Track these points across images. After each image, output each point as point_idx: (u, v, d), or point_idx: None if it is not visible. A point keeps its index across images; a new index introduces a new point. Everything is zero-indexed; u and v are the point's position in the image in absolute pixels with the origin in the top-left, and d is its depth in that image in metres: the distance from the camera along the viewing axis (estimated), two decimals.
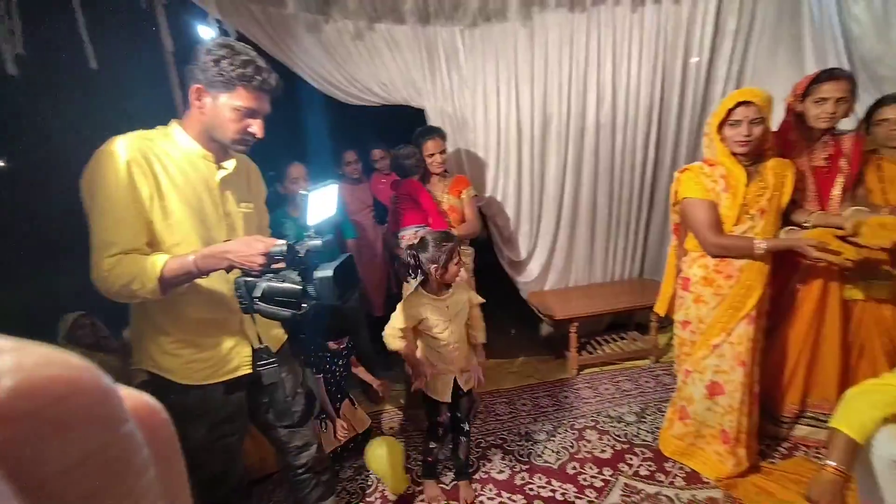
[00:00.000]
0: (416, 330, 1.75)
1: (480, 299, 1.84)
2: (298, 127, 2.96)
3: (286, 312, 1.03)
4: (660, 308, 2.14)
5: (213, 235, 1.19)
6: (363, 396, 2.61)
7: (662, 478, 1.95)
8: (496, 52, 2.60)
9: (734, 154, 1.74)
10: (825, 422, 1.47)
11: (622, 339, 3.09)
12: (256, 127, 1.17)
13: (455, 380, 1.80)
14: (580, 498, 1.88)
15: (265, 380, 1.21)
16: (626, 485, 1.93)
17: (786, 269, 1.94)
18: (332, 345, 2.08)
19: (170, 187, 1.12)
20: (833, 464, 1.34)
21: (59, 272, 1.48)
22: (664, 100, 2.73)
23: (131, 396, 0.20)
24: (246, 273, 1.05)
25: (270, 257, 1.02)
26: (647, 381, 2.68)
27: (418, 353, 1.78)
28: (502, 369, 2.95)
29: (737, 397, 1.83)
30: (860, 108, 1.96)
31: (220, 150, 1.22)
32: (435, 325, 1.71)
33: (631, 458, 2.08)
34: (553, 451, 2.16)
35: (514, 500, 1.90)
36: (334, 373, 2.15)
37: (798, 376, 2.01)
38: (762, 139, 1.71)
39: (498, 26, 2.57)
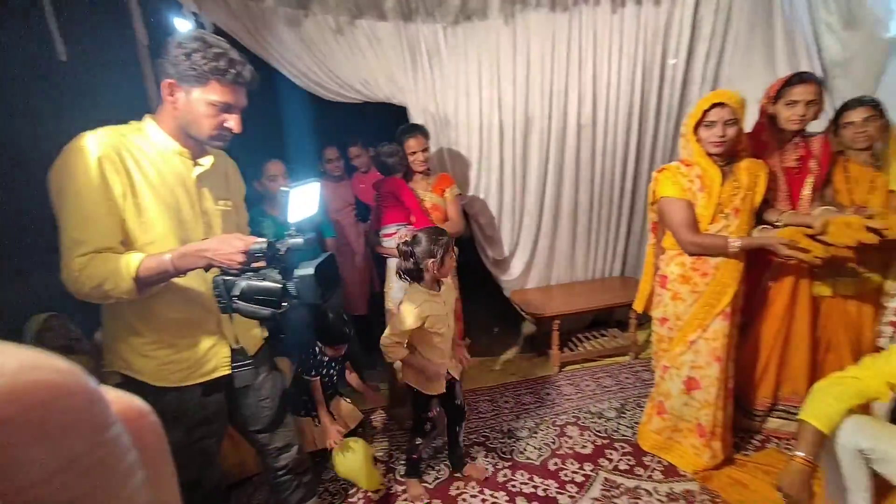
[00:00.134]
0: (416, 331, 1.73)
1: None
2: (278, 123, 2.91)
3: (266, 311, 1.01)
4: (638, 305, 2.18)
5: (190, 234, 1.16)
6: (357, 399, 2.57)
7: (641, 472, 1.99)
8: (479, 51, 2.61)
9: (709, 154, 1.78)
10: (795, 414, 1.52)
11: (603, 336, 3.14)
12: (233, 122, 1.15)
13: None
14: (561, 493, 1.91)
15: (237, 382, 1.18)
16: (606, 479, 1.96)
17: (758, 266, 2.00)
18: (330, 351, 2.07)
19: (143, 184, 1.09)
20: (801, 454, 1.39)
21: (26, 272, 1.43)
22: (644, 100, 2.78)
23: (119, 399, 0.20)
24: (225, 272, 1.03)
25: (250, 255, 1.01)
26: (626, 378, 2.73)
27: (399, 355, 1.75)
28: (485, 367, 2.96)
29: (712, 392, 1.88)
30: (829, 112, 2.02)
31: (196, 147, 1.19)
32: (437, 321, 1.72)
33: (611, 453, 2.11)
34: (535, 448, 2.18)
35: (496, 498, 1.92)
36: (331, 377, 2.13)
37: (770, 371, 2.07)
38: (736, 140, 1.76)
39: (481, 25, 2.58)
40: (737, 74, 2.71)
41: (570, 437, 2.24)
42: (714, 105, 1.71)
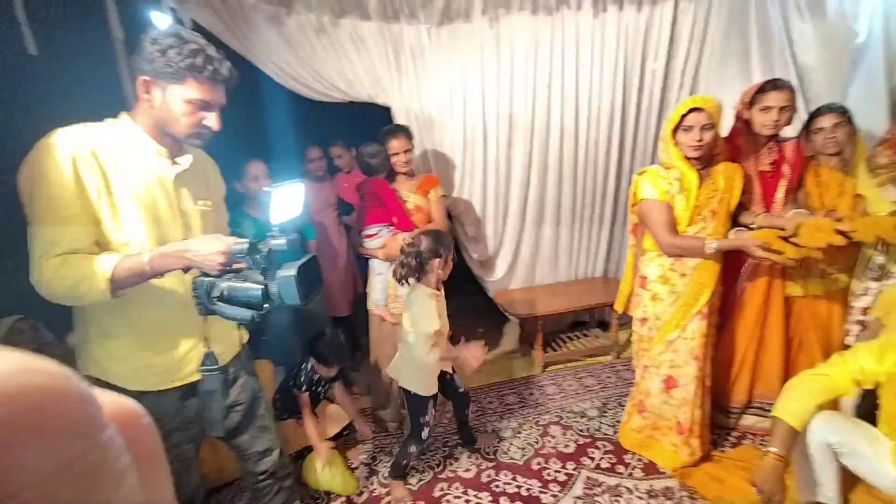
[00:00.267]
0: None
1: None
2: (259, 122, 2.87)
3: (247, 313, 0.99)
4: (619, 306, 2.22)
5: (168, 234, 1.14)
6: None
7: (622, 469, 2.03)
8: (463, 53, 2.62)
9: (687, 158, 1.82)
10: (769, 411, 1.57)
11: (585, 336, 3.18)
12: (212, 120, 1.12)
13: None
14: (544, 492, 1.93)
15: (203, 386, 1.16)
16: (588, 478, 1.99)
17: (734, 267, 2.05)
18: (323, 370, 2.05)
19: (119, 183, 1.06)
20: (775, 450, 1.44)
21: None
22: (625, 103, 2.83)
23: (113, 402, 0.20)
24: (205, 273, 1.01)
25: (231, 257, 0.99)
26: (608, 377, 2.77)
27: (437, 357, 1.78)
28: None
29: (690, 390, 1.92)
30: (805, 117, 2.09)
31: (174, 145, 1.17)
32: (442, 320, 1.79)
33: (593, 452, 2.14)
34: (519, 448, 2.20)
35: (480, 498, 1.92)
36: (319, 394, 2.10)
37: (745, 369, 2.13)
38: (713, 144, 1.81)
39: (465, 26, 2.58)
40: (713, 80, 2.78)
41: (553, 437, 2.26)
42: (691, 110, 1.76)
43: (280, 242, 1.00)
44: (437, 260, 1.73)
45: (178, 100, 1.08)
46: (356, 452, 2.16)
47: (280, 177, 1.14)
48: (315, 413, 2.08)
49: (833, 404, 1.60)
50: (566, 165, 2.90)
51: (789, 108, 1.90)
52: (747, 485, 1.50)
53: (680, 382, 1.94)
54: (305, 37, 2.45)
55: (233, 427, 1.37)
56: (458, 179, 2.84)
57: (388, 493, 1.97)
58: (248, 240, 0.99)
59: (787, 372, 2.03)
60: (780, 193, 2.01)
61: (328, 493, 1.98)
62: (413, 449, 1.91)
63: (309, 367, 2.04)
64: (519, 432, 2.31)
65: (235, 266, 1.02)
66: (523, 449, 2.19)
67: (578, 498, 1.88)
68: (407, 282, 1.76)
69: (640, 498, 1.87)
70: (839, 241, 1.72)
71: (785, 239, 1.76)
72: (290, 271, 0.97)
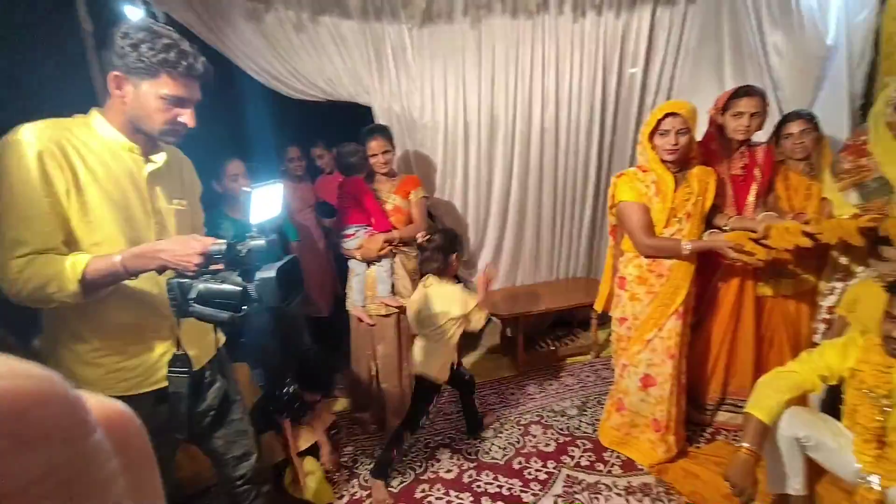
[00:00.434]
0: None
1: None
2: (237, 120, 2.80)
3: (224, 315, 0.97)
4: (598, 306, 2.26)
5: (141, 234, 1.10)
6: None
7: (601, 467, 2.06)
8: (444, 54, 2.62)
9: (664, 161, 1.86)
10: (742, 407, 1.62)
11: (565, 335, 3.22)
12: (187, 116, 1.10)
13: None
14: (525, 491, 1.94)
15: (170, 388, 1.13)
16: (568, 476, 2.01)
17: (708, 268, 2.11)
18: (307, 396, 2.02)
19: (90, 181, 1.02)
20: (747, 445, 1.48)
21: None
22: (604, 107, 2.87)
23: (102, 405, 0.20)
24: (180, 274, 0.98)
25: (208, 258, 0.96)
26: (588, 376, 2.81)
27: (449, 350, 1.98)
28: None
29: (667, 388, 1.97)
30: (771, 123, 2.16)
31: (147, 142, 1.13)
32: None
33: (573, 450, 2.17)
34: (500, 448, 2.21)
35: (461, 499, 1.92)
36: (297, 415, 2.07)
37: (719, 367, 2.19)
38: (688, 148, 1.85)
39: (447, 28, 2.59)
40: (687, 86, 2.86)
41: (534, 436, 2.28)
42: (667, 115, 1.80)
43: (260, 243, 0.98)
44: (455, 255, 1.93)
45: (152, 96, 1.05)
46: (332, 459, 2.11)
47: (258, 176, 1.13)
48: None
49: (801, 400, 1.66)
50: (547, 167, 2.93)
51: (760, 114, 1.96)
52: (721, 479, 1.54)
53: (657, 381, 1.98)
54: (284, 34, 2.41)
55: (208, 431, 1.33)
56: (439, 180, 2.84)
57: (368, 496, 1.95)
58: (226, 240, 0.97)
59: (759, 369, 2.09)
60: (751, 196, 2.08)
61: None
62: (404, 439, 1.99)
63: (291, 390, 2.00)
64: (500, 432, 2.32)
65: (213, 267, 1.00)
66: (504, 448, 2.20)
67: (559, 496, 1.91)
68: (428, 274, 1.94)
69: (619, 494, 1.90)
70: (806, 242, 1.79)
71: (756, 241, 1.82)
72: (270, 272, 0.95)
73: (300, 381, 2.00)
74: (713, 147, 2.11)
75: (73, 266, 0.96)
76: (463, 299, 1.89)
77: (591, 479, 1.99)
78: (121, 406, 0.21)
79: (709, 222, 2.03)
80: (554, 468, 2.06)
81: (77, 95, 1.38)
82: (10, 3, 1.51)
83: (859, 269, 1.90)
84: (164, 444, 1.24)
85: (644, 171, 1.91)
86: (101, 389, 1.10)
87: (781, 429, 1.55)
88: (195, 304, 0.95)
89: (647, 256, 1.94)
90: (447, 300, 1.88)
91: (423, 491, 1.97)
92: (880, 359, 1.43)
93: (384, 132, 2.20)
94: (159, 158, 1.15)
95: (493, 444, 2.24)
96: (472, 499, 1.92)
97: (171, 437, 1.25)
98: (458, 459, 2.14)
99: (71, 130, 1.03)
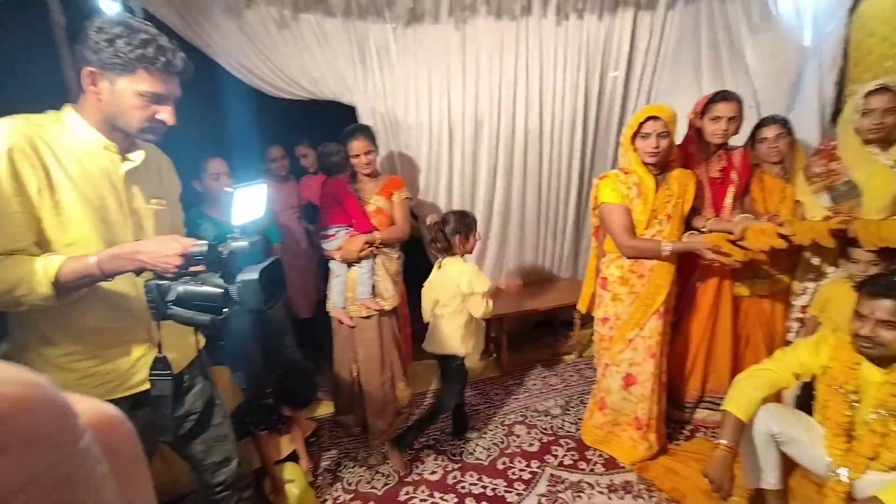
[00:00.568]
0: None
1: None
2: (218, 118, 2.74)
3: (205, 317, 0.95)
4: (582, 306, 2.28)
5: (117, 235, 1.07)
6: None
7: (584, 466, 2.08)
8: (429, 54, 2.61)
9: (645, 164, 1.90)
10: (720, 405, 1.66)
11: (549, 336, 3.24)
12: (166, 113, 1.07)
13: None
14: (510, 491, 1.95)
15: (153, 391, 1.10)
16: (551, 475, 2.03)
17: (688, 269, 2.15)
18: (287, 410, 1.99)
19: (63, 180, 0.99)
20: (724, 442, 1.52)
21: None
22: (587, 109, 2.90)
23: (92, 408, 0.20)
24: (159, 276, 0.95)
25: (189, 259, 0.94)
26: (571, 376, 2.84)
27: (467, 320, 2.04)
28: (433, 370, 2.96)
29: (648, 387, 2.00)
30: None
31: (124, 140, 1.10)
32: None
33: (556, 450, 2.19)
34: (484, 448, 2.21)
35: (446, 500, 1.92)
36: (275, 426, 2.04)
37: (698, 365, 2.24)
38: (669, 151, 1.89)
39: (431, 28, 2.58)
40: (667, 90, 2.91)
41: (518, 436, 2.29)
42: (649, 118, 1.83)
43: (242, 244, 0.96)
44: (458, 236, 2.01)
45: (129, 92, 1.02)
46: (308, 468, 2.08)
47: (239, 176, 1.11)
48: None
49: (776, 396, 1.71)
50: (531, 169, 2.95)
51: (737, 119, 2.02)
52: (700, 475, 1.58)
53: (638, 379, 2.01)
54: (266, 31, 2.37)
55: (187, 436, 1.30)
56: (423, 181, 2.84)
57: (352, 499, 1.94)
58: (207, 241, 0.95)
59: (736, 367, 2.14)
60: (728, 199, 2.13)
61: None
62: (437, 418, 2.15)
63: (268, 403, 1.97)
64: (484, 433, 2.33)
65: (193, 269, 0.97)
66: (489, 449, 2.21)
67: (542, 496, 1.92)
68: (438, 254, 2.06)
69: (602, 492, 1.93)
70: (781, 244, 1.85)
71: (733, 242, 1.87)
72: (252, 274, 0.93)
73: (279, 394, 1.97)
74: (692, 150, 2.15)
75: (46, 268, 0.92)
76: (470, 279, 1.96)
77: (574, 477, 2.01)
78: (111, 409, 0.21)
79: (688, 224, 2.07)
80: (538, 468, 2.07)
81: (48, 91, 1.33)
82: None
83: (830, 269, 1.97)
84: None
85: (626, 173, 1.94)
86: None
87: (757, 425, 1.60)
88: (174, 307, 0.93)
89: (628, 257, 1.97)
90: (456, 275, 1.99)
91: (407, 493, 1.96)
92: (849, 356, 1.49)
93: (367, 132, 2.18)
94: (137, 157, 1.11)
95: (477, 444, 2.24)
96: (456, 500, 1.92)
97: (149, 443, 1.22)
98: (443, 461, 2.14)
99: (43, 127, 1.00)
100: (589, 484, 1.97)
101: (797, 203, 2.04)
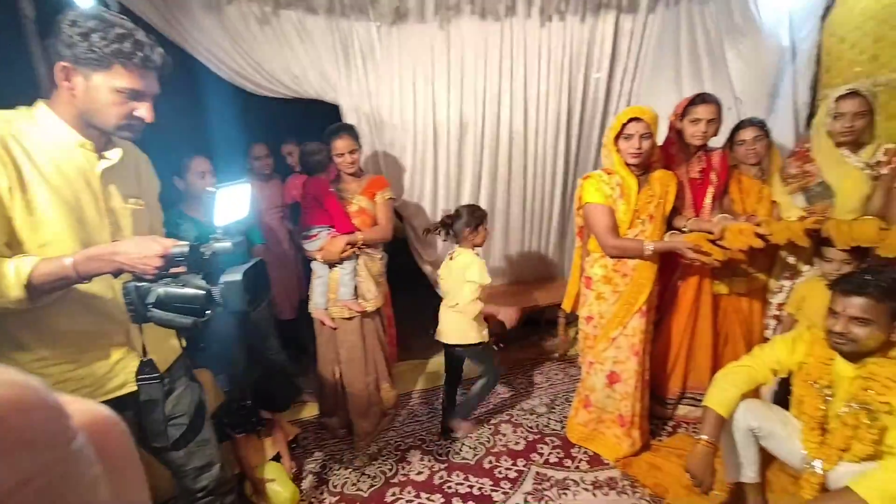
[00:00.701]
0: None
1: None
2: (200, 114, 2.68)
3: (186, 320, 0.92)
4: (566, 305, 2.30)
5: (94, 235, 1.03)
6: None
7: (569, 463, 2.10)
8: (414, 54, 2.61)
9: (628, 164, 1.92)
10: (700, 401, 1.69)
11: (534, 335, 3.27)
12: (144, 110, 1.04)
13: None
14: (496, 490, 1.95)
15: (142, 396, 1.07)
16: (537, 473, 2.04)
17: (669, 268, 2.19)
18: (266, 414, 1.96)
19: (36, 178, 0.95)
20: (705, 438, 1.55)
21: None
22: (570, 110, 2.94)
23: (85, 409, 0.20)
24: (138, 277, 0.92)
25: (169, 260, 0.92)
26: (556, 374, 2.87)
27: (480, 308, 2.13)
28: (420, 369, 2.96)
29: (631, 384, 2.03)
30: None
31: (100, 138, 1.07)
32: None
33: (542, 448, 2.20)
34: (470, 448, 2.21)
35: (432, 500, 1.92)
36: (254, 428, 2.00)
37: (679, 362, 2.28)
38: (651, 152, 1.92)
39: (416, 28, 2.57)
40: (648, 92, 2.96)
41: (504, 435, 2.30)
42: (631, 119, 1.86)
43: (225, 245, 0.94)
44: (467, 229, 2.11)
45: (105, 89, 0.98)
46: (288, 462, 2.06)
47: (222, 174, 1.08)
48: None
49: (754, 392, 1.75)
50: (515, 168, 2.97)
51: (716, 121, 2.06)
52: (682, 471, 1.61)
53: (622, 377, 2.04)
54: (246, 27, 2.33)
55: (178, 438, 1.27)
56: (408, 181, 2.83)
57: (338, 502, 1.92)
58: (188, 242, 0.93)
59: (716, 364, 2.19)
60: (708, 199, 2.18)
61: None
62: (490, 392, 2.33)
63: (248, 406, 1.94)
64: (470, 432, 2.33)
65: (173, 270, 0.95)
66: (475, 448, 2.21)
67: (528, 494, 1.93)
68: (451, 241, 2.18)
69: (587, 489, 1.95)
70: (758, 243, 1.89)
71: (713, 242, 1.91)
72: (236, 275, 0.91)
73: (257, 397, 1.94)
74: (673, 151, 2.19)
75: (18, 270, 0.88)
76: (476, 269, 2.07)
77: (559, 475, 2.03)
78: (105, 410, 0.21)
79: (669, 224, 2.11)
80: (524, 466, 2.09)
81: (18, 86, 1.28)
82: None
83: (805, 267, 2.03)
84: None
85: (609, 174, 1.97)
86: None
87: (737, 420, 1.63)
88: (154, 309, 0.90)
89: (612, 257, 1.99)
90: (465, 265, 2.10)
91: (393, 495, 1.95)
92: (824, 352, 1.53)
93: (351, 131, 2.15)
94: (114, 155, 1.08)
95: (463, 444, 2.24)
96: (442, 500, 1.92)
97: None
98: (429, 461, 2.14)
99: (13, 123, 0.96)
100: (574, 481, 1.99)
101: (773, 203, 2.10)
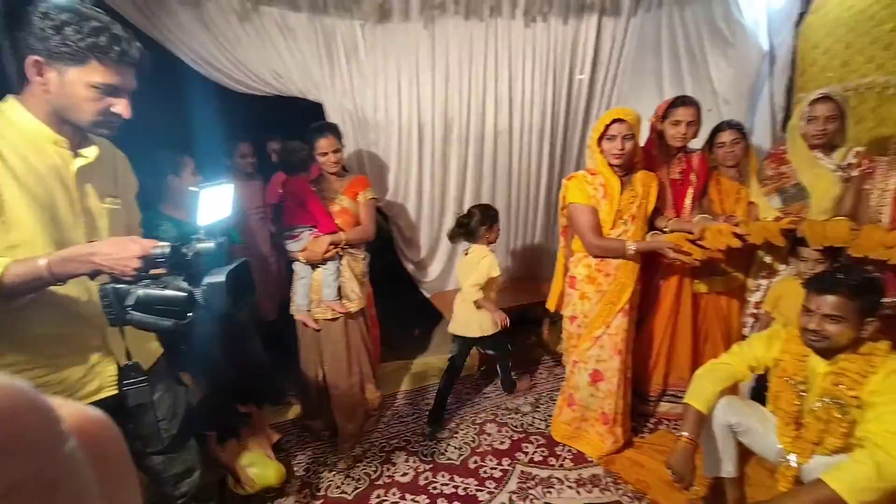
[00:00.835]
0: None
1: None
2: (180, 111, 2.60)
3: (167, 322, 0.90)
4: (551, 305, 2.32)
5: (68, 236, 1.00)
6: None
7: (554, 461, 2.12)
8: (398, 52, 2.59)
9: (611, 165, 1.95)
10: (681, 398, 1.73)
11: (518, 334, 3.28)
12: (121, 106, 1.01)
13: None
14: (481, 490, 1.96)
15: (131, 401, 1.04)
16: (522, 472, 2.05)
17: (651, 267, 2.23)
18: (242, 408, 1.94)
19: (6, 176, 0.91)
20: (686, 434, 1.58)
21: None
22: (555, 111, 2.96)
23: (77, 412, 0.20)
24: (116, 279, 0.90)
25: (149, 261, 0.89)
26: (540, 373, 2.89)
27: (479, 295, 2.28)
28: (405, 370, 2.94)
29: (614, 382, 2.06)
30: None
31: (75, 135, 1.03)
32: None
33: (526, 447, 2.22)
34: (456, 448, 2.21)
35: (417, 501, 1.91)
36: (236, 430, 1.96)
37: (660, 360, 2.32)
38: (633, 153, 1.95)
39: (401, 26, 2.56)
40: (630, 94, 3.01)
41: (489, 434, 2.31)
42: (614, 120, 1.88)
43: (208, 246, 0.92)
44: (483, 227, 2.30)
45: (80, 84, 0.95)
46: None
47: (204, 173, 1.06)
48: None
49: (732, 388, 1.80)
50: (500, 169, 2.98)
51: (695, 123, 2.11)
52: (664, 467, 1.64)
53: (605, 376, 2.07)
54: (226, 22, 2.28)
55: (170, 441, 1.24)
56: (393, 181, 2.81)
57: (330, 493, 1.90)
58: (170, 243, 0.90)
59: (696, 361, 2.24)
60: (688, 200, 2.22)
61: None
62: (510, 361, 2.57)
63: (223, 404, 1.90)
64: (456, 432, 2.33)
65: (153, 271, 0.92)
66: (460, 448, 2.21)
67: (513, 493, 1.94)
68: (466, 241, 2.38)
69: (571, 487, 1.97)
70: (736, 243, 1.94)
71: (693, 242, 1.95)
72: (219, 277, 0.89)
73: (234, 391, 1.91)
74: (654, 153, 2.23)
75: None
76: (490, 264, 2.26)
77: (544, 473, 2.04)
78: (97, 413, 0.21)
79: (650, 224, 2.14)
80: (509, 465, 2.10)
81: None
82: None
83: (781, 267, 2.09)
84: None
85: (592, 174, 1.99)
86: None
87: (716, 417, 1.67)
88: (134, 311, 0.87)
89: (595, 256, 2.02)
90: (477, 259, 2.28)
91: (378, 497, 1.94)
92: (799, 349, 1.57)
93: (334, 130, 2.12)
94: (90, 153, 1.05)
95: (448, 444, 2.24)
96: (427, 501, 1.91)
97: None
98: (414, 462, 2.13)
99: None
100: (558, 479, 2.01)
101: (751, 204, 2.15)
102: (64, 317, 1.02)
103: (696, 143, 2.24)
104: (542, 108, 2.92)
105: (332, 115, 2.55)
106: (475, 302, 2.29)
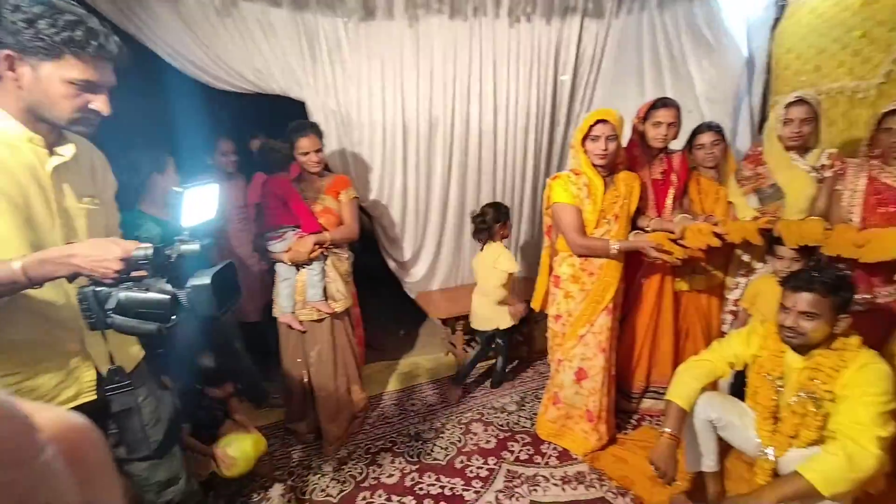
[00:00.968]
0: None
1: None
2: (160, 108, 2.53)
3: (150, 326, 0.87)
4: (535, 304, 2.34)
5: (44, 237, 0.96)
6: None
7: (539, 459, 2.14)
8: (382, 51, 2.57)
9: (594, 165, 1.97)
10: (663, 394, 1.76)
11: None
12: (100, 103, 0.97)
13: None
14: (468, 489, 1.96)
15: (115, 406, 1.02)
16: (508, 471, 2.07)
17: (633, 266, 2.27)
18: (216, 391, 1.89)
19: None
20: (668, 430, 1.62)
21: None
22: (539, 111, 2.98)
23: (57, 418, 0.19)
24: (96, 282, 0.87)
25: (131, 263, 0.86)
26: (525, 372, 2.91)
27: (504, 294, 2.49)
28: (390, 370, 2.93)
29: (598, 380, 2.09)
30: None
31: (51, 132, 0.99)
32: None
33: (512, 445, 2.23)
34: (442, 448, 2.22)
35: (404, 503, 1.90)
36: (215, 419, 1.92)
37: (643, 357, 2.37)
38: (616, 153, 1.98)
39: (384, 24, 2.54)
40: (613, 96, 3.05)
41: (475, 434, 2.32)
42: (598, 121, 1.91)
43: (193, 248, 0.89)
44: (498, 224, 2.45)
45: (56, 80, 0.92)
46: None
47: (184, 172, 1.03)
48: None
49: (712, 385, 1.84)
50: (485, 167, 2.98)
51: (676, 124, 2.15)
52: (647, 463, 1.67)
53: (590, 374, 2.09)
54: (205, 17, 2.23)
55: (158, 445, 1.21)
56: (377, 179, 2.79)
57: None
58: (152, 244, 0.88)
59: (678, 358, 2.28)
60: (669, 200, 2.26)
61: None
62: (508, 349, 2.74)
63: (197, 393, 1.86)
64: (442, 433, 2.33)
65: (135, 274, 0.90)
66: (446, 448, 2.21)
67: (500, 491, 1.95)
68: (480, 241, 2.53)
69: (556, 485, 1.99)
70: (716, 242, 1.99)
71: (674, 241, 1.99)
72: (204, 279, 0.87)
73: (204, 383, 1.87)
74: (636, 153, 2.27)
75: None
76: (509, 259, 2.42)
77: (529, 472, 2.06)
78: (77, 418, 0.21)
79: (633, 223, 2.18)
80: (495, 464, 2.11)
81: None
82: None
83: (759, 265, 2.15)
84: None
85: (577, 174, 2.01)
86: None
87: (697, 413, 1.71)
88: (115, 315, 0.85)
89: (579, 255, 2.04)
90: (494, 255, 2.43)
91: (364, 499, 1.93)
92: (776, 345, 1.62)
93: (316, 129, 2.08)
94: (66, 151, 1.01)
95: (434, 444, 2.24)
96: (414, 502, 1.91)
97: None
98: (400, 463, 2.12)
99: None
100: (544, 477, 2.03)
101: (730, 204, 2.20)
102: (40, 321, 0.98)
103: (677, 144, 2.29)
104: (527, 108, 2.93)
105: (314, 114, 2.52)
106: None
